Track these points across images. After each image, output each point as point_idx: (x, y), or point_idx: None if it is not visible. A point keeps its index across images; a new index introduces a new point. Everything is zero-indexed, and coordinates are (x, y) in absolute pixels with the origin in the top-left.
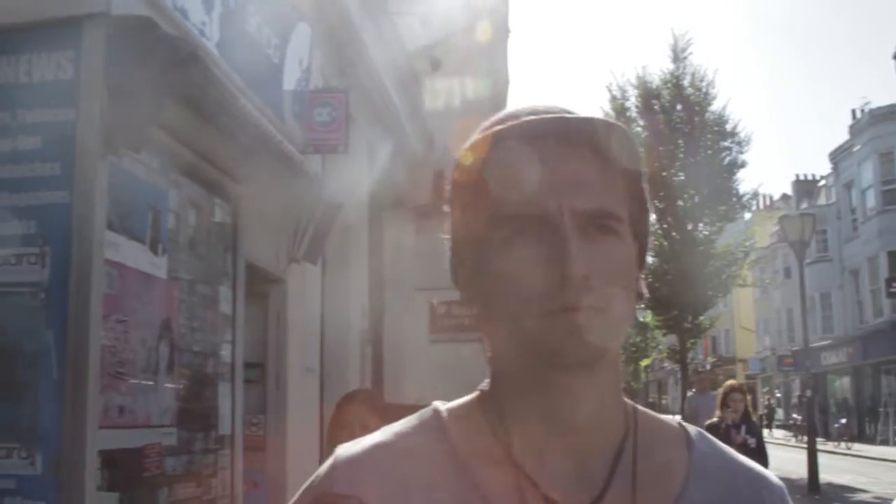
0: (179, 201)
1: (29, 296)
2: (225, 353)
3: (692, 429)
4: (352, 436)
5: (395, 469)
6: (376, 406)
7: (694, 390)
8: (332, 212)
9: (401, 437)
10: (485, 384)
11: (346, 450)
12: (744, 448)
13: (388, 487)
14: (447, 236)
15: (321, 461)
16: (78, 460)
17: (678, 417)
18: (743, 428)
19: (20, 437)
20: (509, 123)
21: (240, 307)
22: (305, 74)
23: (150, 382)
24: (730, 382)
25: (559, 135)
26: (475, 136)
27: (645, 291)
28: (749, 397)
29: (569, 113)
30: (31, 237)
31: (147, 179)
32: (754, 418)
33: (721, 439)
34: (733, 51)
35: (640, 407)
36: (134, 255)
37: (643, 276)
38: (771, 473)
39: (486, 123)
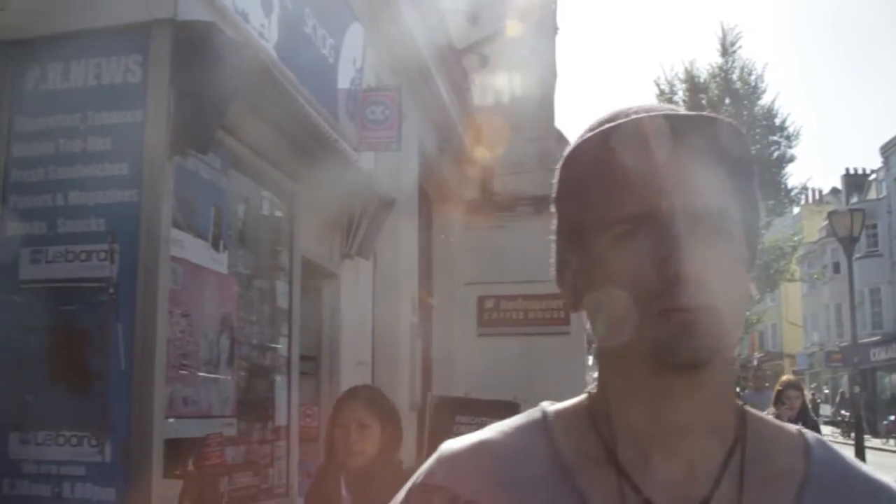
0: (239, 198)
1: (99, 291)
2: (281, 346)
3: (811, 436)
4: (347, 436)
5: (494, 466)
6: (379, 405)
7: (749, 388)
8: (385, 208)
9: (505, 436)
10: (592, 386)
11: (450, 444)
12: None
13: (485, 483)
14: (552, 237)
15: (326, 458)
16: (145, 448)
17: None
18: (800, 426)
19: (90, 426)
20: (619, 121)
21: (296, 301)
22: (359, 73)
23: (212, 374)
24: (785, 378)
25: (670, 132)
26: (583, 133)
27: (755, 293)
28: (808, 394)
29: (673, 111)
30: (100, 234)
31: (209, 178)
32: (812, 415)
33: None
34: (782, 44)
35: (754, 411)
36: (197, 251)
37: (750, 276)
38: (892, 483)
39: (595, 122)
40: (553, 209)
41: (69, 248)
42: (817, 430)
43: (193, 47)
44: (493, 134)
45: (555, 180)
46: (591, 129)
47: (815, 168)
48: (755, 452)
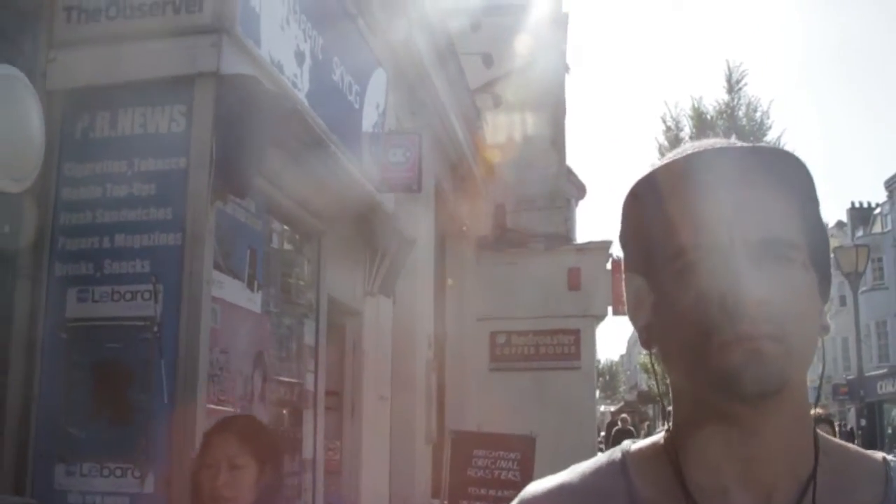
0: (272, 240)
1: (143, 329)
2: (308, 381)
3: (894, 461)
4: (215, 478)
5: None
6: (256, 440)
7: None
8: (406, 247)
9: (584, 478)
10: (669, 424)
11: (532, 487)
12: None
13: None
14: (625, 274)
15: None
16: (187, 481)
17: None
18: None
19: (133, 458)
20: (677, 157)
21: (322, 339)
22: (381, 117)
23: (246, 408)
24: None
25: (730, 165)
26: (645, 171)
27: (829, 324)
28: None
29: (731, 145)
30: (144, 275)
31: (246, 221)
32: None
33: None
34: (789, 78)
35: (832, 439)
36: (234, 291)
37: (826, 308)
38: None
39: (660, 160)
40: (620, 247)
41: (115, 289)
42: None
43: (235, 99)
44: (506, 171)
45: (620, 219)
46: (653, 166)
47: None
48: (832, 481)
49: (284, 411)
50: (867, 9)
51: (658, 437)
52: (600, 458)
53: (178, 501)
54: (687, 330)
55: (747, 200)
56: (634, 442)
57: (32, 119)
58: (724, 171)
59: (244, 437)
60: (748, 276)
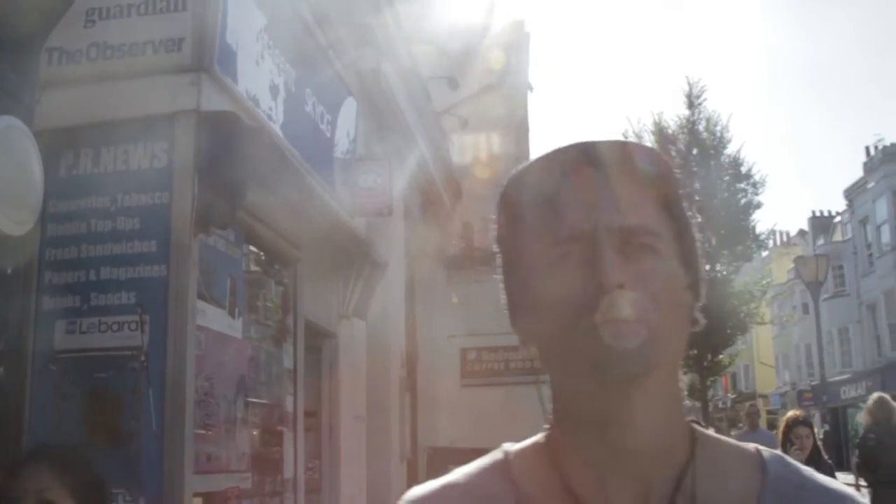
0: (250, 269)
1: (131, 358)
2: (288, 403)
3: (767, 451)
4: None
5: None
6: (73, 472)
7: (742, 427)
8: (379, 270)
9: (468, 478)
10: (548, 423)
11: (415, 490)
12: None
13: None
14: (499, 276)
15: None
16: (177, 502)
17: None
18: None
19: (124, 483)
20: (541, 155)
21: (300, 361)
22: (352, 145)
23: (230, 432)
24: (792, 413)
25: (589, 159)
26: (511, 173)
27: (700, 318)
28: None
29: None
30: (131, 307)
31: (225, 251)
32: (825, 456)
33: None
34: (752, 91)
35: (705, 430)
36: (217, 319)
37: (699, 306)
38: (857, 494)
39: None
40: (495, 248)
41: (102, 320)
42: (832, 474)
43: (215, 134)
44: (473, 191)
45: (493, 223)
46: (518, 168)
47: (784, 210)
48: (709, 471)
49: (266, 432)
50: (833, 21)
51: (539, 436)
52: (482, 459)
53: None
54: (555, 320)
55: (609, 191)
56: (513, 444)
57: (34, 166)
58: (587, 165)
59: (60, 468)
60: (610, 261)
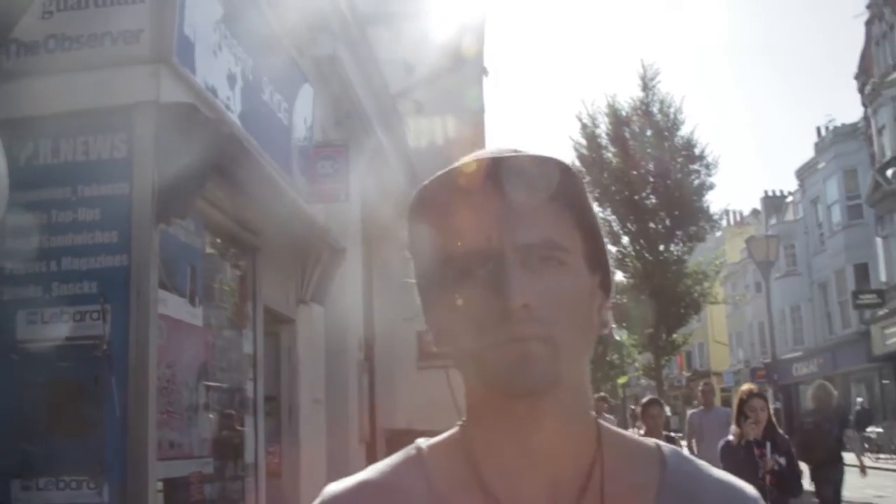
0: (210, 257)
1: (93, 347)
2: (248, 388)
3: (667, 447)
4: None
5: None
6: None
7: (698, 406)
8: (336, 256)
9: (383, 474)
10: (464, 419)
11: (332, 487)
12: (777, 472)
13: None
14: (412, 280)
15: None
16: (141, 489)
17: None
18: (768, 446)
19: (88, 470)
20: (447, 169)
21: (259, 347)
22: (309, 131)
23: (192, 418)
24: (747, 386)
25: (493, 175)
26: (416, 191)
27: (609, 321)
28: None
29: (514, 152)
30: (92, 296)
31: (186, 240)
32: (780, 430)
33: (742, 463)
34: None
35: (611, 428)
36: (178, 308)
37: (608, 304)
38: (748, 487)
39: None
40: (407, 254)
41: (64, 310)
42: (788, 448)
43: (175, 126)
44: (428, 175)
45: (405, 228)
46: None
47: (738, 189)
48: (613, 468)
49: (226, 418)
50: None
51: (453, 430)
52: (397, 455)
53: None
54: (463, 334)
55: (515, 206)
56: (428, 439)
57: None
58: (492, 179)
59: None
60: (515, 279)
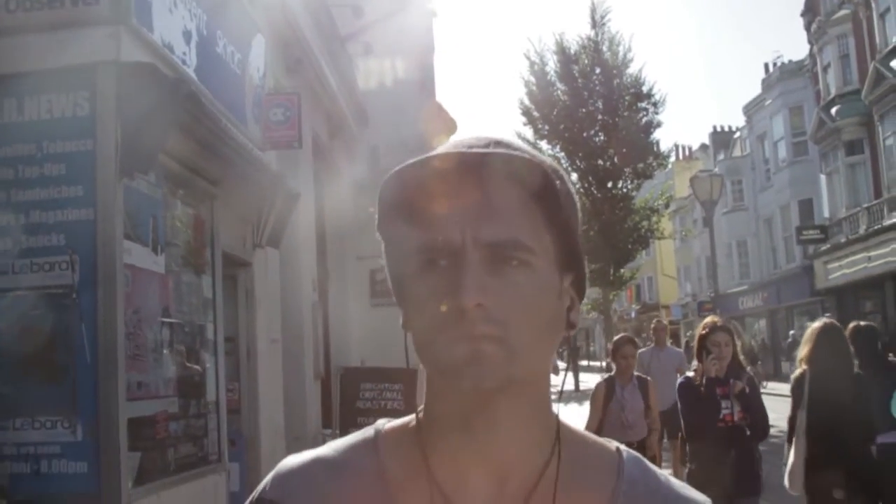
0: (170, 207)
1: (63, 296)
2: (208, 330)
3: (627, 453)
4: None
5: (323, 482)
6: None
7: (649, 344)
8: (291, 201)
9: (338, 452)
10: (422, 405)
11: (289, 460)
12: (743, 400)
13: (312, 498)
14: (383, 262)
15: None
16: (112, 427)
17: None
18: (732, 385)
19: (62, 411)
20: (417, 160)
21: (218, 291)
22: (262, 80)
23: (157, 360)
24: (710, 319)
25: (467, 169)
26: (390, 173)
27: (575, 320)
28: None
29: (493, 143)
30: (61, 248)
31: (147, 192)
32: (746, 367)
33: (704, 402)
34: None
35: (573, 429)
36: (142, 257)
37: (578, 306)
38: (702, 497)
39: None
40: (378, 237)
41: (34, 261)
42: (754, 384)
43: (135, 85)
44: (378, 116)
45: (375, 208)
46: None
47: (686, 124)
48: (568, 469)
49: (189, 359)
50: None
51: (411, 417)
52: (355, 435)
53: (105, 446)
54: (421, 326)
55: (482, 203)
56: (389, 421)
57: None
58: (460, 174)
59: None
60: (471, 278)
